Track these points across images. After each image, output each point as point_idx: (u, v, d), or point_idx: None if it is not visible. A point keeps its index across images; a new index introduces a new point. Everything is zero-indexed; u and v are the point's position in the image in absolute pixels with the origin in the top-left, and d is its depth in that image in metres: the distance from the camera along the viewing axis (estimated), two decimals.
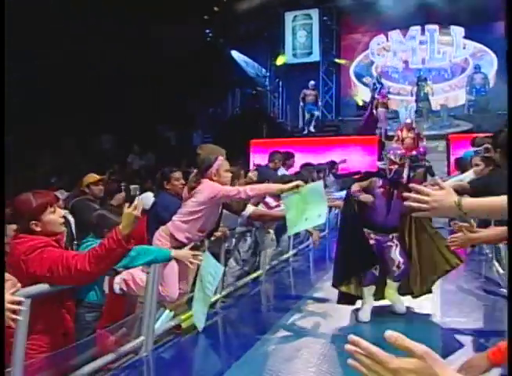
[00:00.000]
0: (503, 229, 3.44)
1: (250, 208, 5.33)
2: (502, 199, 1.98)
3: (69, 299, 3.32)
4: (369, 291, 4.83)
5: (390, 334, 1.03)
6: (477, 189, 5.79)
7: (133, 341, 3.96)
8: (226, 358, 4.30)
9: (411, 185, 2.10)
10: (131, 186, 9.53)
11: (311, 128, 17.60)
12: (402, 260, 4.83)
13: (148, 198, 5.86)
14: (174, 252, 4.12)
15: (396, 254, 4.84)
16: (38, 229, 3.06)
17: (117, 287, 4.16)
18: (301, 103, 17.86)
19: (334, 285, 4.98)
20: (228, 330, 5.09)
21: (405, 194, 2.02)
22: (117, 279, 4.21)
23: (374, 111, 15.99)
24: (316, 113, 17.88)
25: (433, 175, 10.47)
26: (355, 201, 4.96)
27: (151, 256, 3.82)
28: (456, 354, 3.95)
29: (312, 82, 18.22)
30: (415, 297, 5.04)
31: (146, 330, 4.00)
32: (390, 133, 14.75)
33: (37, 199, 3.11)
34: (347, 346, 1.05)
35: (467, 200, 1.98)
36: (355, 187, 4.98)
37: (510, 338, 1.56)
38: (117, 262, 3.18)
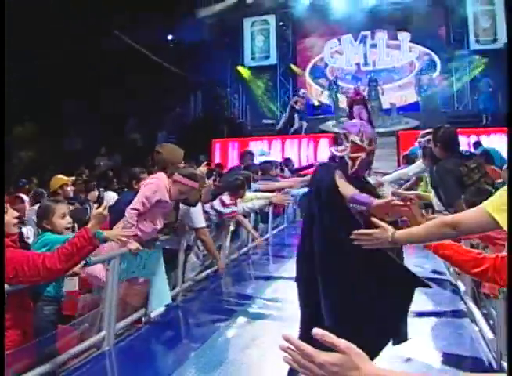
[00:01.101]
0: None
1: (202, 222, 5.30)
2: (427, 227, 2.14)
3: (27, 298, 3.23)
4: None
5: (316, 331, 1.06)
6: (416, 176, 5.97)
7: (95, 336, 3.89)
8: (186, 349, 4.26)
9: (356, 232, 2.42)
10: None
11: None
12: None
13: (110, 196, 5.75)
14: (106, 233, 3.98)
15: None
16: None
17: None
18: (290, 109, 17.18)
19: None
20: (188, 322, 5.04)
21: (354, 232, 2.37)
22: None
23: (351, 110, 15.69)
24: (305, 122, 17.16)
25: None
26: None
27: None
28: None
29: (303, 90, 18.12)
30: None
31: (107, 324, 3.94)
32: None
33: None
34: (281, 345, 1.09)
35: (400, 234, 2.24)
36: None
37: (510, 338, 1.58)
38: (83, 259, 3.17)
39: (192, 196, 5.01)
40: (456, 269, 4.13)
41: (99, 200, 6.14)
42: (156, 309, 4.59)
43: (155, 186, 4.39)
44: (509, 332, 1.66)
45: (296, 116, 16.82)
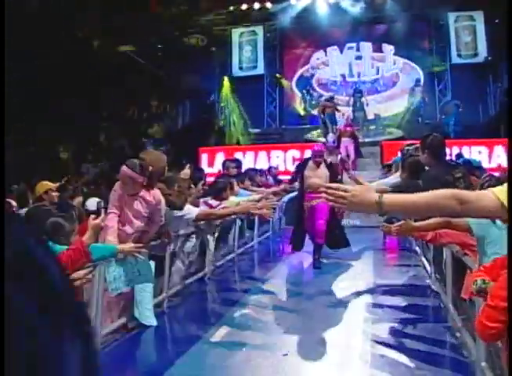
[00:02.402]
0: (444, 218, 3.53)
1: (194, 210, 5.25)
2: (425, 197, 1.94)
3: None
4: None
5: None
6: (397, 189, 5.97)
7: None
8: (172, 355, 4.23)
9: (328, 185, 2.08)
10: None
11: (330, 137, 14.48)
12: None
13: (92, 203, 5.71)
14: (120, 247, 4.01)
15: None
16: None
17: None
18: (322, 115, 15.74)
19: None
20: (174, 328, 5.01)
21: (322, 189, 1.98)
22: None
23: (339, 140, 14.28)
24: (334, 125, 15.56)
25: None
26: None
27: (99, 253, 3.70)
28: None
29: (331, 94, 17.35)
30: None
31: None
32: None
33: None
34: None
35: (389, 198, 1.92)
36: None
37: (510, 338, 1.57)
38: (77, 270, 3.12)
39: (178, 200, 5.00)
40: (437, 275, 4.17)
41: (98, 211, 6.11)
42: (144, 321, 4.54)
43: (115, 186, 4.48)
44: (509, 332, 1.66)
45: (326, 120, 15.46)
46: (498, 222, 2.72)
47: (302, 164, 7.87)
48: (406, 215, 3.27)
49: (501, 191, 1.79)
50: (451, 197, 1.86)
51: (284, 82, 20.01)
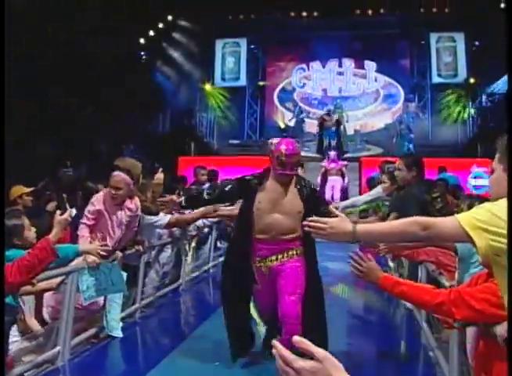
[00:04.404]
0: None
1: (166, 217, 5.18)
2: (391, 225, 2.07)
3: None
4: None
5: (295, 339, 1.09)
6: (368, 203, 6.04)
7: (49, 351, 3.77)
8: (143, 365, 4.17)
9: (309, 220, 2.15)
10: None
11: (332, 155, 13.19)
12: None
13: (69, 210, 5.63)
14: (81, 246, 3.95)
15: None
16: None
17: (47, 317, 4.01)
18: (317, 129, 15.14)
19: None
20: (146, 339, 4.94)
21: (304, 222, 2.15)
22: (45, 308, 4.04)
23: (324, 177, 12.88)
24: (333, 143, 14.32)
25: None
26: None
27: (62, 252, 3.63)
28: None
29: (330, 107, 16.52)
30: None
31: (62, 340, 3.82)
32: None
33: None
34: (273, 351, 1.12)
35: (361, 227, 2.04)
36: None
37: (511, 337, 1.57)
38: (45, 269, 3.10)
39: (154, 206, 4.96)
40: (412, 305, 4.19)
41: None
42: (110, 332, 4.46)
43: (94, 198, 4.41)
44: (509, 334, 1.67)
45: (323, 136, 14.57)
46: None
47: (248, 183, 3.99)
48: (378, 242, 3.37)
49: (466, 217, 1.79)
50: (414, 223, 1.93)
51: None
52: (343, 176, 12.63)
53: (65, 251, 3.66)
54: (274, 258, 3.82)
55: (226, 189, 4.03)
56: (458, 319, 2.19)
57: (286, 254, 3.82)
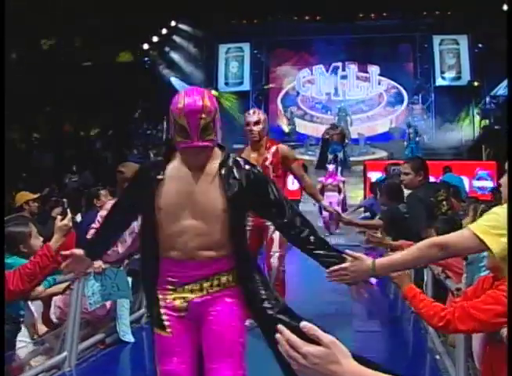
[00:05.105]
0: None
1: None
2: (409, 252, 2.09)
3: None
4: None
5: (303, 324, 1.10)
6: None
7: (56, 357, 3.77)
8: (149, 371, 4.16)
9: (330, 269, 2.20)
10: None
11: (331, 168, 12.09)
12: None
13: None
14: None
15: None
16: None
17: (53, 317, 4.01)
18: (321, 141, 14.20)
19: None
20: (152, 344, 4.93)
21: (327, 271, 2.19)
22: (52, 309, 4.04)
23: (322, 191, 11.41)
24: (340, 154, 13.11)
25: None
26: None
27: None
28: None
29: (335, 122, 16.12)
30: None
31: (69, 345, 3.83)
32: None
33: None
34: (277, 335, 1.13)
35: (379, 262, 2.10)
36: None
37: (511, 337, 1.57)
38: (47, 276, 3.06)
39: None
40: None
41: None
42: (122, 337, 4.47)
43: (108, 204, 4.37)
44: (509, 332, 1.66)
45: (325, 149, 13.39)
46: None
47: (143, 176, 2.51)
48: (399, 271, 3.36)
49: (479, 227, 1.80)
50: (431, 246, 1.96)
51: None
52: (340, 192, 11.66)
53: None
54: (196, 287, 2.33)
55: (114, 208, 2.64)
56: (464, 331, 2.20)
57: (215, 283, 2.35)
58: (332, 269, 2.15)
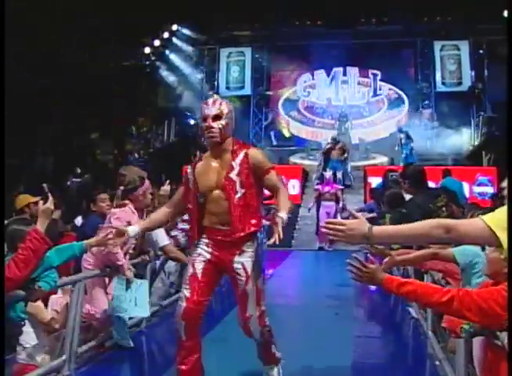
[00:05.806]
0: (427, 250, 3.57)
1: (162, 239, 5.12)
2: (412, 227, 2.02)
3: None
4: None
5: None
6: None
7: (55, 360, 3.77)
8: (149, 375, 4.16)
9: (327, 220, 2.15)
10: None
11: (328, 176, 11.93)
12: None
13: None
14: (86, 242, 3.79)
15: None
16: None
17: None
18: (321, 158, 14.11)
19: None
20: (152, 348, 4.94)
21: (322, 225, 2.15)
22: (49, 311, 4.03)
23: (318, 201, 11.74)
24: (339, 174, 13.13)
25: None
26: None
27: (69, 251, 3.61)
28: None
29: (335, 136, 15.60)
30: None
31: (68, 349, 3.82)
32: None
33: None
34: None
35: (376, 229, 2.02)
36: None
37: (510, 336, 1.57)
38: (41, 260, 3.09)
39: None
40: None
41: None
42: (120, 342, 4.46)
43: (119, 213, 4.38)
44: (509, 331, 1.66)
45: (325, 166, 13.32)
46: (486, 251, 2.77)
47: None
48: (396, 243, 3.31)
49: (492, 219, 1.77)
50: (437, 225, 1.89)
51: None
52: (337, 202, 11.43)
53: (71, 250, 3.65)
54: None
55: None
56: (466, 315, 2.15)
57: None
58: (330, 220, 2.08)
